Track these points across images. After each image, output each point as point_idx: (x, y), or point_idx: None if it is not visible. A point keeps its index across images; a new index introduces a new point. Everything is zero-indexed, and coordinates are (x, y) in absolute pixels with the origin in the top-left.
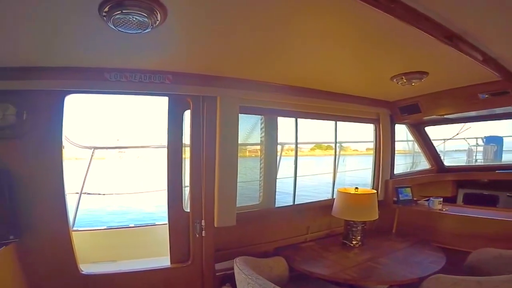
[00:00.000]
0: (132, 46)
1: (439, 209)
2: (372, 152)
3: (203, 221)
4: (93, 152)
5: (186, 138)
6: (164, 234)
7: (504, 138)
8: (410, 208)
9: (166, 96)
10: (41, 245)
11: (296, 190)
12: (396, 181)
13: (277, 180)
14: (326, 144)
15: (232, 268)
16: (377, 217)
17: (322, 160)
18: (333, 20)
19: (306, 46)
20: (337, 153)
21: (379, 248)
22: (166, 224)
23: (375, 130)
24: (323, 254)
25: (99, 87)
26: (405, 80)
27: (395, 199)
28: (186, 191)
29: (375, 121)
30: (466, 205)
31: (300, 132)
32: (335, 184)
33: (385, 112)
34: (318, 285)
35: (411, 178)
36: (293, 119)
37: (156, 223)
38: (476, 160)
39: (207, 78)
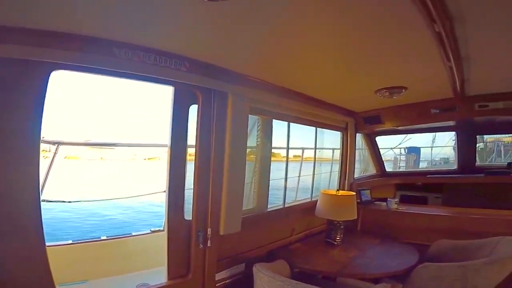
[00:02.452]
0: (153, 17)
1: (396, 208)
2: (326, 159)
3: (209, 229)
4: (57, 149)
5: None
6: (141, 245)
7: (421, 148)
8: (370, 208)
9: (172, 85)
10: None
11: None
12: (357, 184)
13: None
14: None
15: (232, 276)
16: (355, 216)
17: (292, 166)
18: (333, 33)
19: (307, 55)
20: (314, 158)
21: (358, 245)
22: (144, 234)
23: (342, 137)
24: (314, 253)
25: (104, 64)
26: (387, 94)
27: (358, 200)
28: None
29: (343, 129)
30: (405, 204)
31: (282, 137)
32: (313, 188)
33: (352, 121)
34: (318, 283)
35: (366, 182)
36: (284, 123)
37: (134, 234)
38: (399, 167)
39: (219, 70)
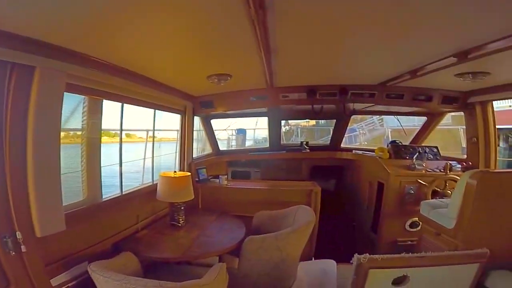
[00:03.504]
0: None
1: (226, 184)
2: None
3: (18, 233)
4: None
5: None
6: None
7: (246, 130)
8: (207, 185)
9: None
10: None
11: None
12: (195, 163)
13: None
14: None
15: (76, 278)
16: (193, 196)
17: (122, 147)
18: (167, 19)
19: (145, 37)
20: (153, 140)
21: (199, 224)
22: None
23: (181, 119)
24: (161, 239)
25: None
26: (216, 80)
27: (197, 179)
28: None
29: (182, 112)
30: (235, 179)
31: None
32: (159, 170)
33: (190, 105)
34: (168, 269)
35: (204, 161)
36: (118, 104)
37: None
38: (231, 146)
39: (22, 39)
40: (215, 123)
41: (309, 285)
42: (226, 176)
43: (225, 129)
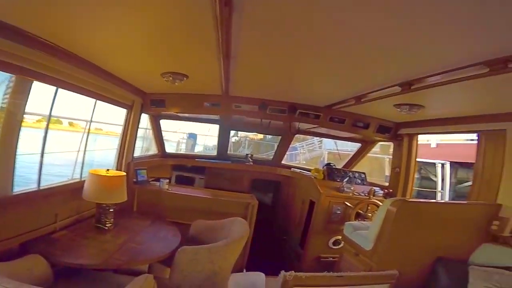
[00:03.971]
0: None
1: (166, 189)
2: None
3: None
4: None
5: None
6: None
7: (197, 135)
8: (146, 188)
9: None
10: None
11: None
12: (135, 163)
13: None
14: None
15: None
16: (125, 198)
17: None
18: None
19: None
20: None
21: (130, 228)
22: None
23: (127, 115)
24: (82, 242)
25: None
26: (171, 78)
27: (134, 180)
28: None
29: (129, 107)
30: (178, 185)
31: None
32: (93, 166)
33: (139, 100)
34: (87, 276)
35: (146, 161)
36: (53, 88)
37: None
38: (180, 150)
39: None
40: (165, 123)
41: None
42: (168, 180)
43: (176, 131)
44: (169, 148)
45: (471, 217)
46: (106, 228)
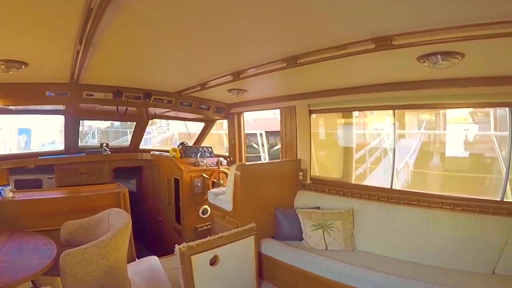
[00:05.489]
0: None
1: (11, 197)
2: None
3: None
4: None
5: None
6: None
7: (31, 130)
8: None
9: None
10: None
11: None
12: None
13: None
14: None
15: None
16: None
17: None
18: None
19: None
20: None
21: None
22: None
23: None
24: None
25: None
26: (3, 67)
27: None
28: None
29: None
30: (22, 190)
31: None
32: None
33: None
34: None
35: None
36: None
37: None
38: (10, 149)
39: None
40: None
41: (147, 285)
42: (10, 187)
43: (5, 128)
44: None
45: (286, 171)
46: None
